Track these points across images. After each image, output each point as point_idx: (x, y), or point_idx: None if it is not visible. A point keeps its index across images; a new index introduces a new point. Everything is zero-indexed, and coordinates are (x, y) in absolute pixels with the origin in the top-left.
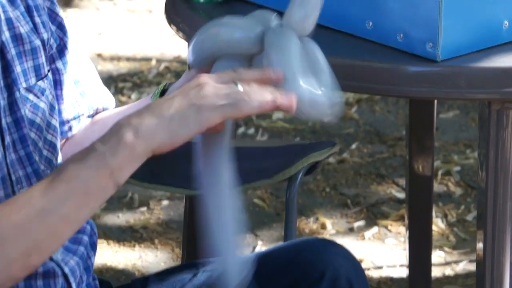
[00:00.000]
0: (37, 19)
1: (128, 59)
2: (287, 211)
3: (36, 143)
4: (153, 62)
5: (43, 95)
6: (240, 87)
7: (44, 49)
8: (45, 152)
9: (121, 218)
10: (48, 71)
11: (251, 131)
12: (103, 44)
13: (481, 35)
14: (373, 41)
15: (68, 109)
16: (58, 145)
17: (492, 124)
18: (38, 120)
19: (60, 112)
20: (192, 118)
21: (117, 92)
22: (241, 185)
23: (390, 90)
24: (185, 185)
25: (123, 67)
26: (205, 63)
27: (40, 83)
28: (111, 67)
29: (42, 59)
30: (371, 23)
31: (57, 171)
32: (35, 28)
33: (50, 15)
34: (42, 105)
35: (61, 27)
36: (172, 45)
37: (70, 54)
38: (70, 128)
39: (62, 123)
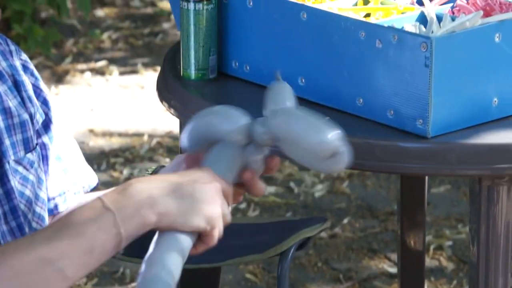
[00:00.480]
0: (24, 94)
1: (120, 134)
2: (279, 287)
3: (26, 215)
4: (145, 138)
5: (32, 167)
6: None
7: (32, 123)
8: (34, 225)
9: None
10: (36, 144)
11: (243, 205)
12: (95, 119)
13: (471, 112)
14: (363, 118)
15: (52, 186)
16: (46, 218)
17: (483, 200)
18: (27, 192)
19: (46, 188)
20: (202, 220)
21: (109, 167)
22: (233, 259)
23: (381, 166)
24: None
25: (115, 142)
26: (197, 149)
27: (29, 155)
28: (103, 143)
29: (31, 132)
30: (361, 100)
31: (64, 221)
32: (22, 102)
33: (35, 91)
34: (31, 177)
35: (45, 102)
36: (164, 121)
37: (54, 130)
38: (56, 206)
39: (48, 199)
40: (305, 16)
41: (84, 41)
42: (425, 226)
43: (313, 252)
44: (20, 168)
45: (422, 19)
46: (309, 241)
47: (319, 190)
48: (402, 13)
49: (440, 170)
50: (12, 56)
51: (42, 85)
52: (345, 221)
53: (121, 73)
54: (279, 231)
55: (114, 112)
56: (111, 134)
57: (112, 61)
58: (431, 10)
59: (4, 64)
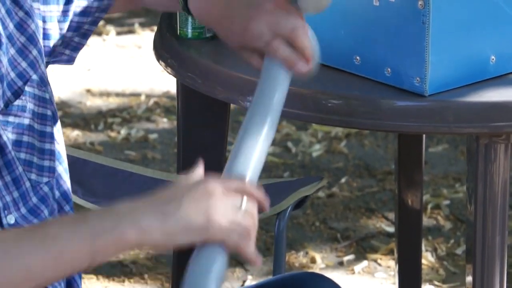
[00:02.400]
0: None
1: (118, 94)
2: (276, 246)
3: (30, 161)
4: (143, 98)
5: (24, 112)
6: (244, 205)
7: (29, 52)
8: (46, 163)
9: None
10: (25, 84)
11: None
12: (92, 79)
13: (469, 70)
14: (360, 76)
15: None
16: (60, 146)
17: (480, 158)
18: (25, 138)
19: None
20: (194, 235)
21: (107, 127)
22: None
23: (379, 125)
24: None
25: (113, 102)
26: None
27: (17, 102)
28: (100, 103)
29: (11, 75)
30: (358, 58)
31: (44, 222)
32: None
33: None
34: (27, 121)
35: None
36: (161, 81)
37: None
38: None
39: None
40: None
41: None
42: (422, 186)
43: (310, 211)
44: (11, 118)
45: None
46: (306, 200)
47: (317, 150)
48: None
49: (438, 128)
50: None
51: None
52: (343, 180)
53: (118, 33)
54: (277, 191)
55: (111, 72)
56: (108, 94)
57: (109, 21)
58: None
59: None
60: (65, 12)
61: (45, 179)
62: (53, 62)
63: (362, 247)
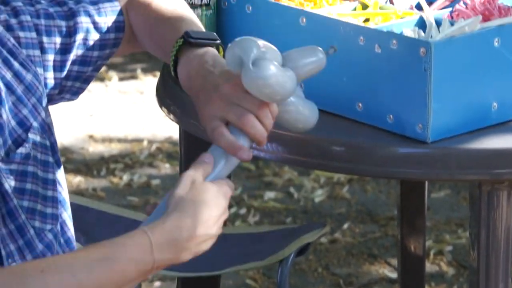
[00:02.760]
0: (16, 64)
1: (120, 140)
2: None
3: (33, 208)
4: (145, 143)
5: (28, 159)
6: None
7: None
8: (49, 210)
9: None
10: (27, 132)
11: (243, 211)
12: (95, 125)
13: (471, 117)
14: (363, 123)
15: None
16: (62, 193)
17: (483, 205)
18: (28, 186)
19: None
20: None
21: (109, 173)
22: (233, 267)
23: (381, 171)
24: (178, 269)
25: (115, 148)
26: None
27: (20, 150)
28: (102, 148)
29: (12, 123)
30: (361, 105)
31: (107, 251)
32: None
33: (28, 43)
34: (31, 168)
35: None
36: (164, 126)
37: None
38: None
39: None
40: (304, 21)
41: None
42: (425, 231)
43: (313, 257)
44: (13, 166)
45: (421, 24)
46: (309, 247)
47: (319, 195)
48: (401, 18)
49: (440, 175)
50: None
51: (37, 17)
52: (345, 226)
53: (121, 79)
54: (279, 238)
55: (114, 117)
56: (110, 140)
57: (111, 66)
58: (430, 15)
59: None
60: (62, 62)
61: (48, 226)
62: (53, 104)
63: None
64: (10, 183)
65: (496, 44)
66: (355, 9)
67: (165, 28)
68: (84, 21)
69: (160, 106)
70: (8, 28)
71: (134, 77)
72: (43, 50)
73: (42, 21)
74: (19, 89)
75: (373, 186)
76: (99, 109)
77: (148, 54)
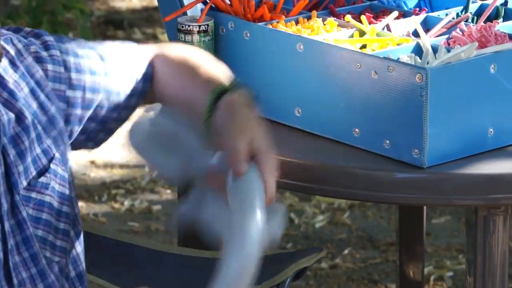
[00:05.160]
0: (42, 96)
1: (121, 166)
2: None
3: (45, 238)
4: (146, 169)
5: (47, 189)
6: None
7: (53, 128)
8: (58, 243)
9: None
10: (50, 161)
11: None
12: (97, 151)
13: (467, 143)
14: (360, 148)
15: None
16: (80, 227)
17: (479, 230)
18: (44, 216)
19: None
20: None
21: (110, 198)
22: None
23: (377, 196)
24: None
25: (116, 174)
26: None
27: (42, 179)
28: (104, 174)
29: (39, 149)
30: (357, 130)
31: None
32: (41, 106)
33: (57, 77)
34: (48, 199)
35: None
36: None
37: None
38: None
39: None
40: (301, 48)
41: None
42: (423, 257)
43: (314, 282)
44: (33, 194)
45: (418, 51)
46: (305, 271)
47: (320, 221)
48: (398, 44)
49: (436, 200)
50: (22, 55)
51: (68, 58)
52: (346, 251)
53: None
54: (276, 262)
55: (115, 143)
56: (112, 166)
57: None
58: (426, 41)
59: (16, 76)
60: (89, 100)
61: (56, 258)
62: (77, 149)
63: None
64: (28, 211)
65: (492, 70)
66: (352, 36)
67: (198, 85)
68: (114, 66)
69: None
70: (38, 59)
71: None
72: (71, 86)
73: (72, 59)
74: (43, 120)
75: (374, 212)
76: None
77: None
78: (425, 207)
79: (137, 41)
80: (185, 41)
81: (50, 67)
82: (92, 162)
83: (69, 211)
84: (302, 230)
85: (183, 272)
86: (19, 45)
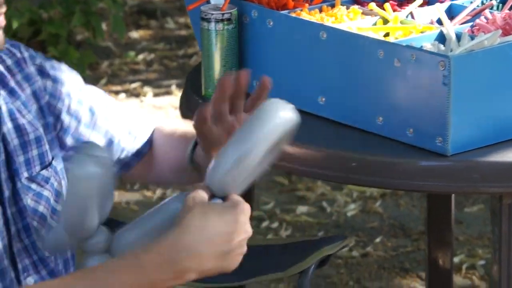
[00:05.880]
0: (42, 101)
1: None
2: None
3: (39, 231)
4: None
5: (47, 183)
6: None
7: (46, 134)
8: None
9: None
10: (53, 158)
11: (275, 225)
12: None
13: (491, 130)
14: (383, 136)
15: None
16: None
17: (504, 218)
18: (41, 208)
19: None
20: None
21: (142, 187)
22: (256, 278)
23: (402, 184)
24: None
25: None
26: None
27: (44, 172)
28: None
29: (46, 146)
30: (381, 119)
31: (102, 275)
32: (40, 110)
33: (56, 95)
34: (46, 193)
35: (80, 102)
36: None
37: (105, 116)
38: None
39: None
40: (324, 36)
41: (119, 63)
42: (452, 245)
43: (344, 271)
44: (33, 185)
45: (441, 39)
46: (329, 259)
47: (352, 209)
48: (421, 32)
49: (461, 188)
50: (26, 63)
51: (71, 86)
52: (377, 240)
53: (155, 94)
54: (300, 250)
55: None
56: None
57: (146, 82)
58: (450, 29)
59: (19, 76)
60: (80, 135)
61: (46, 253)
62: None
63: None
64: (27, 201)
65: None
66: (375, 24)
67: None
68: (117, 117)
69: (183, 119)
70: (40, 72)
71: (168, 92)
72: (68, 112)
73: (77, 93)
74: (41, 123)
75: (406, 201)
76: None
77: (182, 70)
78: (453, 196)
79: (170, 30)
80: (208, 30)
81: (49, 83)
82: None
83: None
84: (334, 218)
85: None
86: (26, 54)
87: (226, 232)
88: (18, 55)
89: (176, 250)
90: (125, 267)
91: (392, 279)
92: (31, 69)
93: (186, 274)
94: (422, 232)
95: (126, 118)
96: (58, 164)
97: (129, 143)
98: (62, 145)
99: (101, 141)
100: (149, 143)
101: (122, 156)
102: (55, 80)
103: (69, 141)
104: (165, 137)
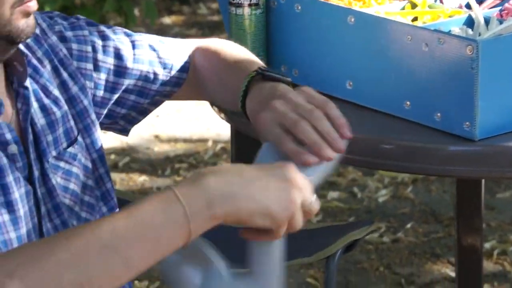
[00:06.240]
0: (64, 74)
1: (185, 140)
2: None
3: (72, 208)
4: (210, 143)
5: (75, 160)
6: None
7: (76, 105)
8: (83, 214)
9: None
10: (78, 134)
11: None
12: (161, 125)
13: None
14: (411, 121)
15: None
16: (107, 205)
17: None
18: (71, 186)
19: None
20: (269, 221)
21: (173, 172)
22: (286, 262)
23: (429, 169)
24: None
25: (180, 148)
26: None
27: (70, 149)
28: (168, 148)
29: (71, 122)
30: (409, 103)
31: (131, 210)
32: (62, 85)
33: (83, 56)
34: (75, 170)
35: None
36: (228, 127)
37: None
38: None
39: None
40: (352, 20)
41: None
42: (482, 231)
43: (375, 256)
44: (62, 163)
45: (470, 23)
46: (356, 244)
47: (383, 195)
48: (450, 16)
49: (489, 173)
50: (46, 34)
51: (93, 39)
52: (408, 225)
53: None
54: (327, 235)
55: (179, 118)
56: (176, 140)
57: None
58: (479, 13)
59: (39, 53)
60: (115, 84)
61: None
62: (106, 129)
63: None
64: (57, 179)
65: None
66: (403, 8)
67: (236, 70)
68: (147, 53)
69: (211, 105)
70: (62, 39)
71: None
72: (96, 68)
73: (100, 42)
74: (64, 98)
75: (437, 186)
76: (165, 110)
77: None
78: (483, 181)
79: (202, 16)
80: (236, 14)
81: (74, 46)
82: (156, 137)
83: (93, 185)
84: (365, 204)
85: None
86: (44, 25)
87: (274, 187)
88: (37, 30)
89: (208, 186)
90: (157, 196)
91: (423, 265)
92: (53, 39)
93: (220, 208)
94: (453, 218)
95: (157, 51)
96: (86, 138)
97: (165, 75)
98: (97, 103)
99: (132, 85)
100: (186, 68)
101: (161, 89)
102: (78, 41)
103: (102, 94)
104: (209, 60)
